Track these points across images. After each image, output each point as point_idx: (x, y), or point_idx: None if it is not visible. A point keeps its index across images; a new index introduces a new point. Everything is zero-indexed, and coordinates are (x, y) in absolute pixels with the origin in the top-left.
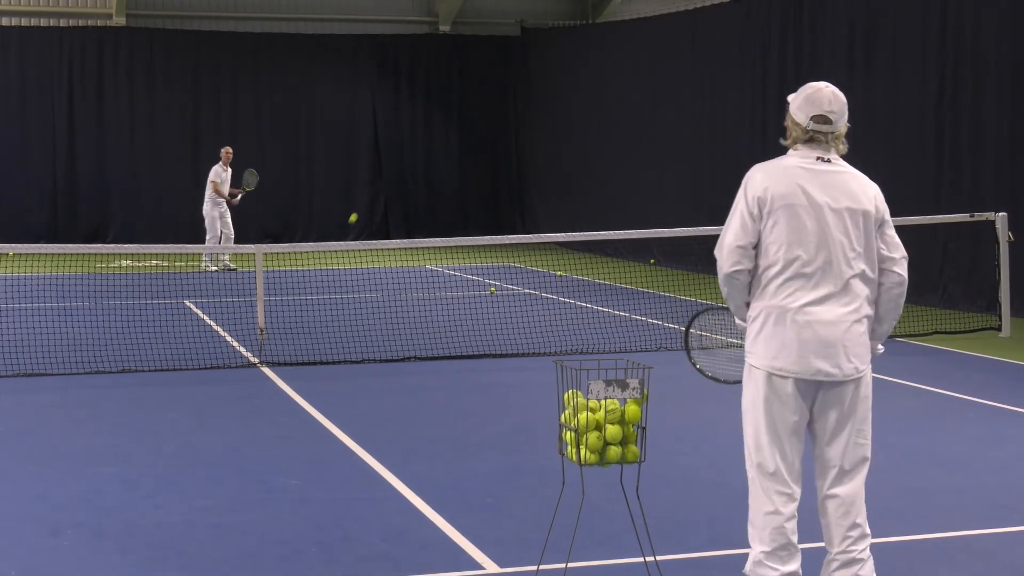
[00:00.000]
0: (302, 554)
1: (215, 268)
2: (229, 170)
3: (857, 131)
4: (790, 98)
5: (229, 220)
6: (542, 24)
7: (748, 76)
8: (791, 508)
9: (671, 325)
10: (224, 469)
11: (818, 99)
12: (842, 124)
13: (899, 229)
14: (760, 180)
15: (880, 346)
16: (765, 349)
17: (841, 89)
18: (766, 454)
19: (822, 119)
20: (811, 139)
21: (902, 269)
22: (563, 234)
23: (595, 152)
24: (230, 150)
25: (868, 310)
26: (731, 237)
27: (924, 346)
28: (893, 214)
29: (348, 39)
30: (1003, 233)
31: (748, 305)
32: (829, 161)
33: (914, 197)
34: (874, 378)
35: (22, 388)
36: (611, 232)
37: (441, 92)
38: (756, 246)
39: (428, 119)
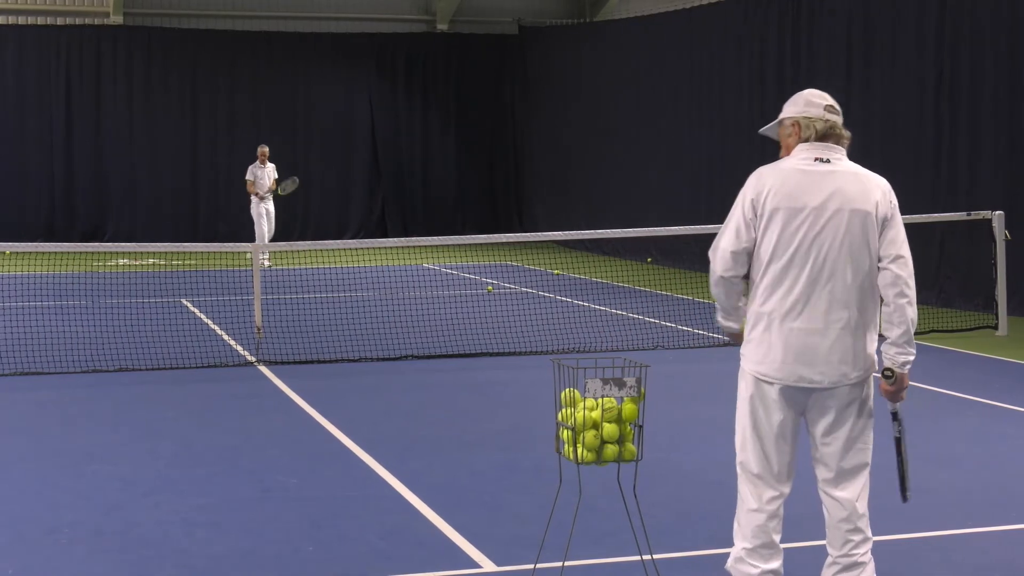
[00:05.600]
0: (299, 552)
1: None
2: (266, 167)
3: (855, 130)
4: (787, 108)
5: (272, 219)
6: (540, 22)
7: (746, 74)
8: (774, 507)
9: (668, 324)
10: (221, 468)
11: (819, 94)
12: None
13: None
14: (756, 184)
15: (898, 354)
16: (753, 353)
17: (839, 88)
18: (749, 454)
19: (833, 109)
20: (825, 135)
21: (898, 267)
22: (560, 233)
23: (592, 150)
24: (266, 149)
25: (868, 316)
26: (725, 242)
27: (921, 344)
28: None
29: (346, 37)
30: (1000, 232)
31: (738, 309)
32: (828, 161)
33: (911, 195)
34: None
35: (19, 386)
36: (608, 231)
37: (438, 90)
38: (751, 252)
39: (425, 117)
